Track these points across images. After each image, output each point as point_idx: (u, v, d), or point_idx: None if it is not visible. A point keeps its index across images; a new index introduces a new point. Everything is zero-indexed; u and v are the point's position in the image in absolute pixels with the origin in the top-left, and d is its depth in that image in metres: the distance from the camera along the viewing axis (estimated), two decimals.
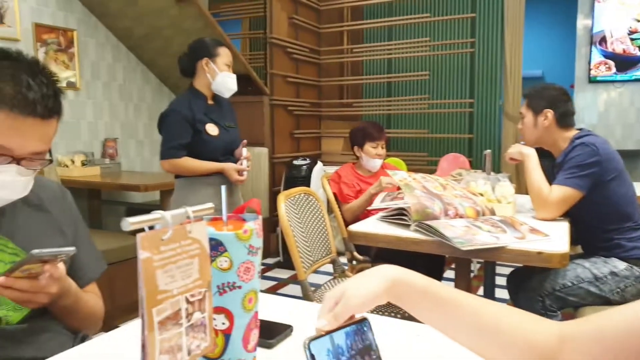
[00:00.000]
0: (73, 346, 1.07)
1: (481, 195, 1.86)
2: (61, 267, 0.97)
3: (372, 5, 4.91)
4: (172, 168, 2.34)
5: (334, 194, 2.53)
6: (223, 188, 0.75)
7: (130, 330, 0.97)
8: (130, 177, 3.54)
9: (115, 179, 3.41)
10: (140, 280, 0.53)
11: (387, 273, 0.65)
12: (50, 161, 1.02)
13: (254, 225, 0.70)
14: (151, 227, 0.57)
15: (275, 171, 4.33)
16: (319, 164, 4.04)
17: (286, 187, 4.06)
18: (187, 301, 0.59)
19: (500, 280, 2.39)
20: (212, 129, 2.37)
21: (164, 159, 2.33)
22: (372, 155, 2.63)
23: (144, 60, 4.31)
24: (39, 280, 0.93)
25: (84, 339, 1.13)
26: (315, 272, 2.10)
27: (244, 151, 2.41)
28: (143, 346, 0.53)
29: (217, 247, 0.67)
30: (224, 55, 2.44)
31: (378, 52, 4.78)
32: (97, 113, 3.94)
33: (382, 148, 2.67)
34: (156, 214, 0.56)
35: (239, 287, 0.68)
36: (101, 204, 3.86)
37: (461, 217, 1.68)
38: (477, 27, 4.82)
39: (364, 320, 0.62)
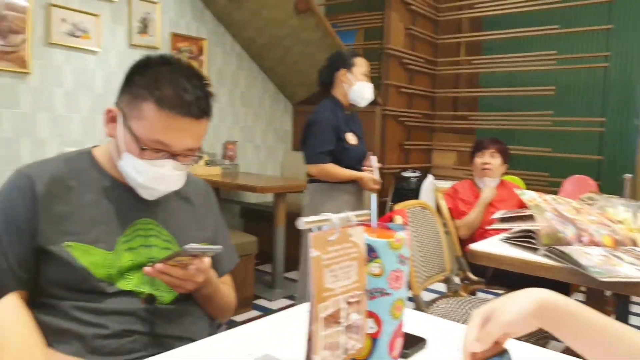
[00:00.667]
0: (210, 332, 1.16)
1: (621, 223, 1.71)
2: (207, 261, 1.05)
3: (494, 16, 4.74)
4: (319, 172, 2.46)
5: (449, 210, 2.47)
6: (373, 197, 0.77)
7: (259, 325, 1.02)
8: (246, 178, 3.73)
9: (233, 179, 3.62)
10: (310, 277, 0.56)
11: (538, 293, 0.63)
12: (200, 157, 1.11)
13: (405, 235, 0.71)
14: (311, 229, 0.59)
15: (383, 182, 4.33)
16: (430, 177, 3.96)
17: (394, 199, 4.03)
18: (346, 302, 0.61)
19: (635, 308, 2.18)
20: (351, 138, 2.48)
21: (313, 163, 2.46)
22: (478, 167, 2.54)
23: (264, 69, 4.53)
24: (189, 269, 1.02)
25: (219, 326, 1.22)
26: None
27: (374, 160, 2.47)
28: (309, 339, 0.56)
29: (369, 252, 0.69)
30: (360, 65, 2.54)
31: (498, 64, 4.60)
32: (221, 117, 4.21)
33: (491, 157, 2.55)
34: (325, 217, 0.59)
35: (388, 294, 0.69)
36: (218, 201, 4.10)
37: (597, 245, 1.56)
38: (613, 39, 4.45)
39: (505, 351, 0.60)
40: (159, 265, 0.99)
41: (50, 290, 1.00)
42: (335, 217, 0.59)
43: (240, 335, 0.97)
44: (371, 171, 2.49)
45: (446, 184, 2.75)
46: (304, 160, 2.53)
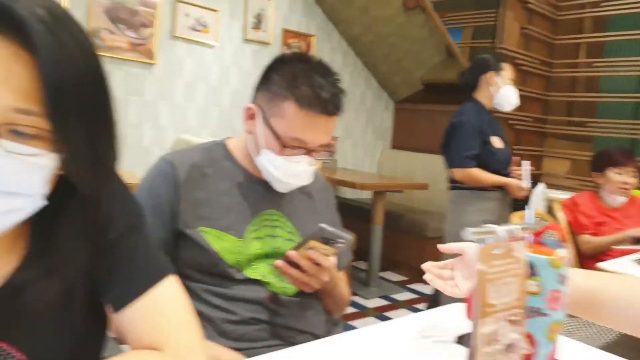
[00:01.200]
0: (327, 327, 1.17)
1: None
2: (333, 260, 1.06)
3: (621, 15, 4.35)
4: (464, 177, 2.41)
5: (568, 223, 2.31)
6: (530, 210, 0.72)
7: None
8: (344, 174, 3.75)
9: (332, 174, 3.65)
10: (475, 290, 0.54)
11: None
12: (331, 153, 1.13)
13: (566, 254, 0.66)
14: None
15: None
16: (541, 186, 3.73)
17: None
18: (506, 320, 0.58)
19: None
20: (497, 142, 2.41)
21: (458, 167, 2.42)
22: (615, 184, 2.32)
23: (368, 66, 4.52)
24: (319, 265, 1.03)
25: (336, 323, 1.23)
26: None
27: (526, 165, 2.39)
28: (471, 356, 0.54)
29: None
30: (508, 69, 2.50)
31: (624, 67, 4.21)
32: None
33: (633, 176, 2.33)
34: (492, 228, 0.56)
35: (545, 314, 0.65)
36: None
37: None
38: None
39: None
40: (291, 253, 1.01)
41: (184, 271, 1.05)
42: (502, 229, 0.56)
43: (358, 337, 0.96)
44: (519, 176, 2.38)
45: (559, 194, 2.57)
46: (447, 164, 2.48)
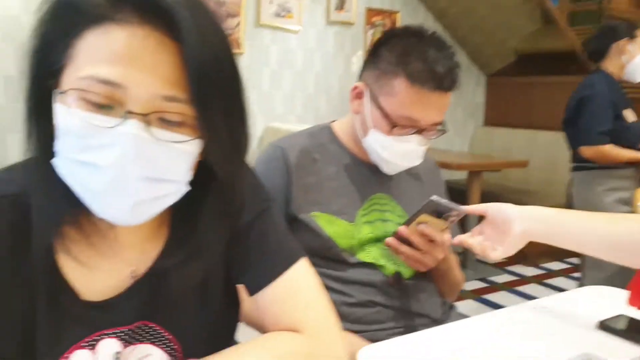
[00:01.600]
0: (442, 311, 1.12)
1: None
2: (447, 235, 1.01)
3: None
4: (596, 155, 2.25)
5: None
6: None
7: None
8: (435, 154, 3.61)
9: None
10: None
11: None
12: (444, 131, 1.06)
13: None
14: None
15: None
16: None
17: None
18: None
19: None
20: (630, 115, 2.24)
21: (591, 144, 2.25)
22: None
23: (456, 39, 4.31)
24: (433, 242, 0.99)
25: (451, 307, 1.18)
26: None
27: None
28: None
29: None
30: None
31: None
32: None
33: None
34: None
35: None
36: None
37: None
38: None
39: None
40: (403, 229, 0.98)
41: None
42: None
43: (456, 330, 0.91)
44: None
45: None
46: (572, 143, 2.32)
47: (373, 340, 0.99)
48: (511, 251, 0.88)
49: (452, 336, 0.84)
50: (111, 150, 0.48)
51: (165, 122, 0.50)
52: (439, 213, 0.96)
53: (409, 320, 1.05)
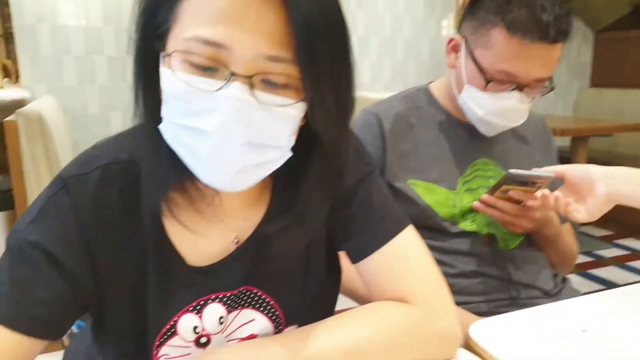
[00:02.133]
0: (554, 283, 1.04)
1: None
2: (539, 193, 0.93)
3: None
4: None
5: None
6: None
7: None
8: None
9: None
10: None
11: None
12: (552, 88, 0.96)
13: None
14: None
15: None
16: None
17: None
18: None
19: None
20: None
21: None
22: None
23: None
24: (522, 205, 0.93)
25: (564, 280, 1.09)
26: None
27: None
28: None
29: None
30: None
31: None
32: None
33: None
34: None
35: None
36: None
37: None
38: None
39: None
40: (484, 196, 0.93)
41: None
42: None
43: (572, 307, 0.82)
44: None
45: None
46: None
47: (477, 312, 0.94)
48: (596, 214, 0.83)
49: (569, 312, 0.76)
50: (214, 114, 0.47)
51: (269, 84, 0.48)
52: (522, 183, 0.89)
53: (515, 291, 0.98)
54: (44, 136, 1.89)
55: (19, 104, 2.11)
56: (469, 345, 0.66)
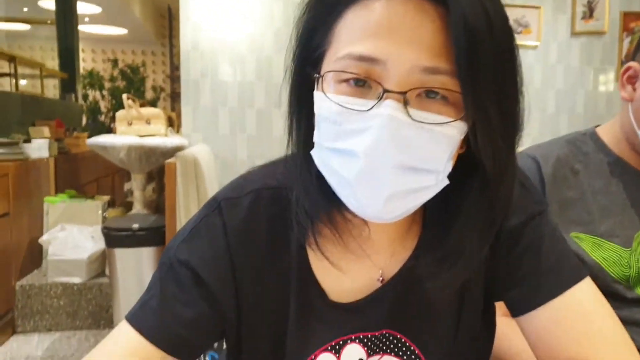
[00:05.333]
0: None
1: None
2: None
3: None
4: None
5: None
6: None
7: None
8: None
9: None
10: None
11: None
12: None
13: None
14: None
15: None
16: None
17: None
18: None
19: None
20: None
21: None
22: None
23: None
24: None
25: None
26: None
27: None
28: None
29: None
30: None
31: None
32: None
33: None
34: None
35: None
36: None
37: None
38: None
39: None
40: None
41: None
42: None
43: None
44: None
45: None
46: None
47: None
48: None
49: None
50: (365, 135, 0.43)
51: (426, 100, 0.44)
52: None
53: None
54: (197, 177, 2.05)
55: (179, 150, 2.35)
56: None
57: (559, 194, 0.89)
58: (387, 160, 0.43)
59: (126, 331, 0.52)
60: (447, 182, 0.47)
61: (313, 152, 0.49)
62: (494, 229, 0.51)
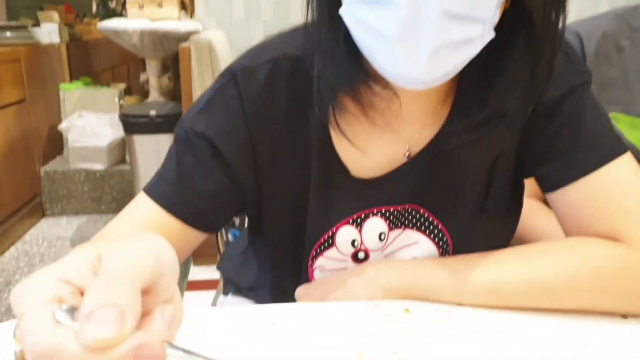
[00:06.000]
0: None
1: None
2: None
3: None
4: None
5: None
6: None
7: None
8: None
9: None
10: None
11: None
12: None
13: None
14: None
15: None
16: None
17: None
18: None
19: None
20: None
21: None
22: None
23: None
24: None
25: None
26: None
27: None
28: None
29: None
30: None
31: None
32: None
33: None
34: None
35: None
36: None
37: None
38: None
39: None
40: None
41: None
42: None
43: None
44: None
45: None
46: None
47: None
48: None
49: None
50: None
51: None
52: None
53: None
54: (213, 63, 1.98)
55: (193, 35, 2.25)
56: None
57: (601, 72, 0.83)
58: (431, 7, 0.38)
59: (145, 202, 0.51)
60: (493, 34, 0.42)
61: (342, 10, 0.44)
62: (537, 92, 0.47)
